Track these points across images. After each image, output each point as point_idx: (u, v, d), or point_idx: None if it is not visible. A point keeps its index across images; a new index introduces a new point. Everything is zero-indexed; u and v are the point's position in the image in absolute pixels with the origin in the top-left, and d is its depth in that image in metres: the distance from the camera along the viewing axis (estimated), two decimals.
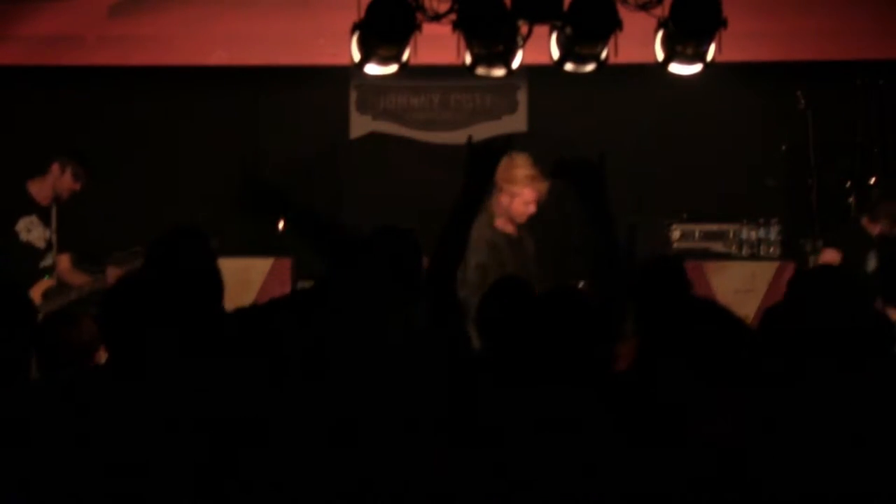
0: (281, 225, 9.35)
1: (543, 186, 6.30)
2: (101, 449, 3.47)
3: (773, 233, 8.74)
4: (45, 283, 7.48)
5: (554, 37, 6.61)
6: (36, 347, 4.68)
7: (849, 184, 8.64)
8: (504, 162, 6.06)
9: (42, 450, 3.40)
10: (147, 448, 3.54)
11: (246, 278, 8.44)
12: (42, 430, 3.42)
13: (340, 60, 7.22)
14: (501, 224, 6.37)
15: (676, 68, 6.67)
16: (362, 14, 6.35)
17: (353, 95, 10.30)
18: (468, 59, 6.65)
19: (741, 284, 7.69)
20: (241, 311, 3.86)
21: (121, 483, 3.48)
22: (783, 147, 9.22)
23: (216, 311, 3.80)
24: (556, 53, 6.64)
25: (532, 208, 6.33)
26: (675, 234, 9.01)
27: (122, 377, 3.68)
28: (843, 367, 3.64)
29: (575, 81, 7.98)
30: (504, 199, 6.35)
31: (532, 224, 6.49)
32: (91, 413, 3.59)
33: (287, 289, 8.83)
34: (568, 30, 6.42)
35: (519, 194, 6.32)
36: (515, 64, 6.67)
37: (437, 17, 6.35)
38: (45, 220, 7.59)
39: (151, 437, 3.55)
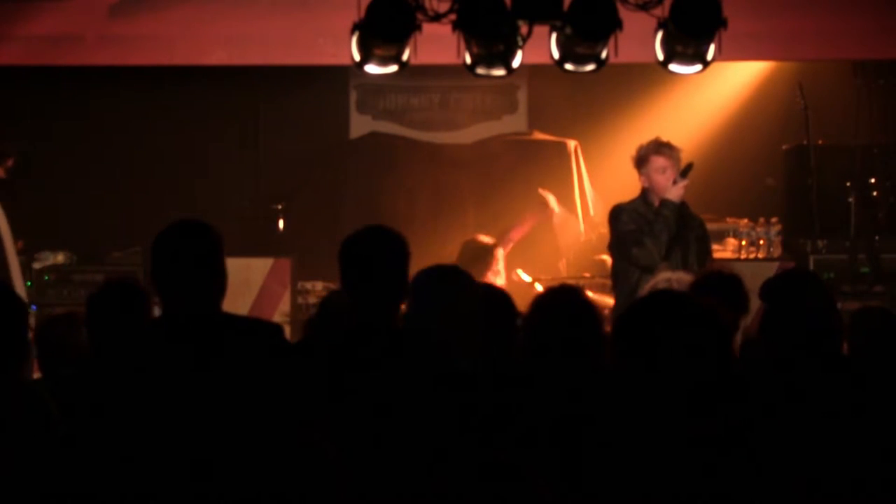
0: (281, 225, 9.36)
1: (673, 152, 6.67)
2: (89, 445, 3.48)
3: (773, 233, 8.74)
4: None
5: (554, 37, 6.61)
6: (38, 348, 4.70)
7: (849, 184, 8.63)
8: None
9: (35, 447, 3.40)
10: (135, 446, 3.55)
11: (246, 278, 8.43)
12: (37, 428, 3.43)
13: (340, 60, 7.21)
14: (654, 200, 6.69)
15: (676, 68, 6.67)
16: (362, 14, 6.35)
17: (353, 95, 10.31)
18: (468, 59, 6.65)
19: None
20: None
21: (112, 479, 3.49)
22: (783, 147, 9.23)
23: (216, 307, 3.78)
24: (556, 53, 6.64)
25: (670, 174, 6.54)
26: None
27: (106, 378, 3.69)
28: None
29: (575, 81, 7.99)
30: (643, 180, 6.71)
31: None
32: (81, 411, 3.60)
33: (287, 289, 8.84)
34: (568, 30, 6.42)
35: (650, 164, 6.64)
36: (515, 64, 6.66)
37: (437, 17, 6.34)
38: None
39: (138, 435, 3.56)
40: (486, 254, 8.14)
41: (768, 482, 3.13)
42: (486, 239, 8.23)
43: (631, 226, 6.60)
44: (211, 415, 3.53)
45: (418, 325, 3.93)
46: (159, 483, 3.50)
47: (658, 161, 6.66)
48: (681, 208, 6.67)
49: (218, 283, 3.74)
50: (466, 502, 2.76)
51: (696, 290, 4.86)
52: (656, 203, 6.68)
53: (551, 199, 8.63)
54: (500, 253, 8.21)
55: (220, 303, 3.76)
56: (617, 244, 6.68)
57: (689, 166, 6.61)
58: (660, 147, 6.70)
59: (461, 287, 3.98)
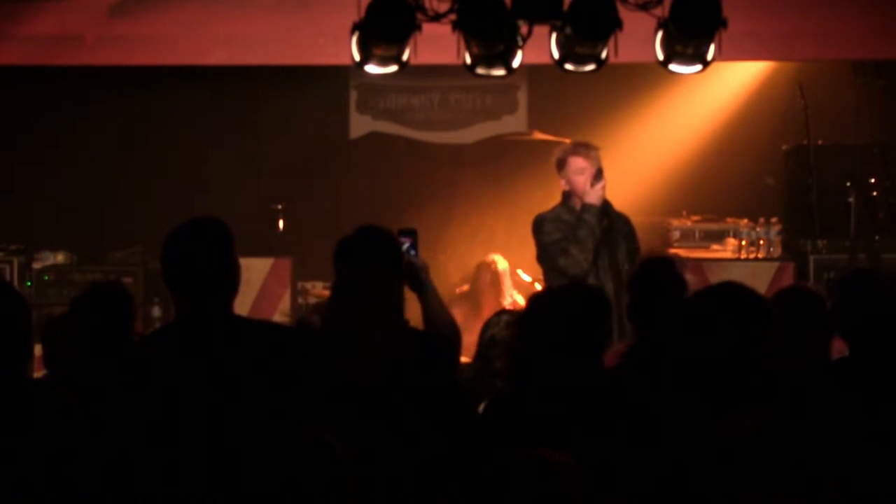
0: (281, 225, 9.36)
1: (591, 152, 6.62)
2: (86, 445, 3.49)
3: (773, 233, 8.74)
4: None
5: (554, 37, 6.60)
6: (43, 347, 4.72)
7: (849, 184, 8.63)
8: None
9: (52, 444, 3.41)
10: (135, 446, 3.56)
11: (246, 278, 8.39)
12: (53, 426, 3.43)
13: (340, 60, 7.21)
14: (576, 204, 6.64)
15: (676, 68, 6.66)
16: (362, 14, 6.35)
17: (353, 95, 10.31)
18: (468, 59, 6.65)
19: None
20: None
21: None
22: (783, 147, 9.23)
23: (229, 307, 3.78)
24: (556, 53, 6.63)
25: (589, 175, 6.49)
26: (675, 234, 9.01)
27: (119, 380, 3.69)
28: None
29: (575, 81, 7.99)
30: (563, 184, 6.68)
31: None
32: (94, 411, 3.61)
33: (287, 289, 8.84)
34: (568, 30, 6.41)
35: (568, 166, 6.61)
36: (515, 64, 6.66)
37: (437, 17, 6.34)
38: None
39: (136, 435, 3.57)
40: (495, 278, 8.24)
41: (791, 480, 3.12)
42: (496, 260, 8.31)
43: (555, 235, 6.53)
44: (229, 419, 3.53)
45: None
46: (175, 482, 3.51)
47: (576, 162, 6.60)
48: (605, 209, 6.61)
49: (231, 281, 3.75)
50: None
51: (635, 282, 4.79)
52: (578, 206, 6.63)
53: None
54: (503, 271, 8.29)
55: (233, 301, 3.77)
56: (543, 256, 6.62)
57: (600, 170, 6.55)
58: (577, 148, 6.66)
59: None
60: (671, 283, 4.70)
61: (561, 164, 6.66)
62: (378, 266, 4.07)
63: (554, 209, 6.69)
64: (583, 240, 6.47)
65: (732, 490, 3.09)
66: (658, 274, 4.77)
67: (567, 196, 6.65)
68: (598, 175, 6.51)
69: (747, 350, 3.35)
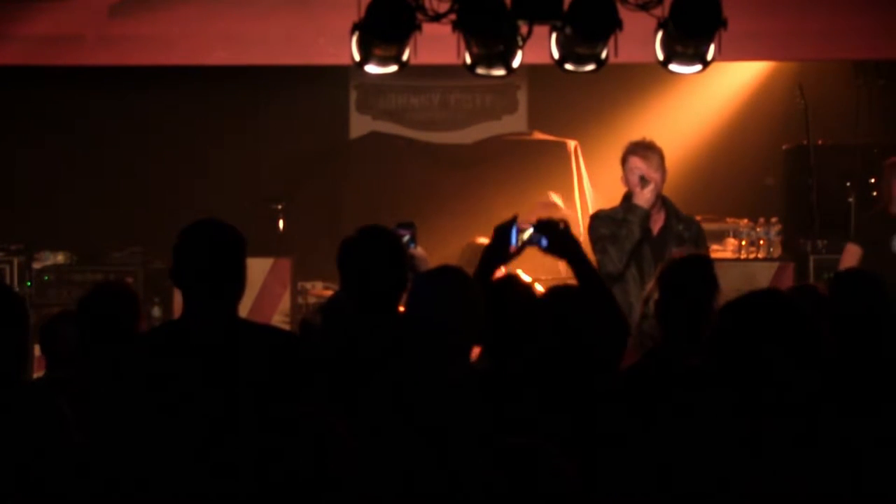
0: (281, 225, 9.36)
1: (649, 153, 6.48)
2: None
3: (773, 233, 8.75)
4: None
5: (554, 37, 6.60)
6: (42, 346, 4.72)
7: (849, 184, 8.63)
8: None
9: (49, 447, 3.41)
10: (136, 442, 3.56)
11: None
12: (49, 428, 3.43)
13: (340, 60, 7.22)
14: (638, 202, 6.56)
15: (676, 68, 6.66)
16: (362, 14, 6.35)
17: (353, 95, 10.32)
18: (468, 59, 6.65)
19: (741, 284, 7.64)
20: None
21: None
22: (783, 147, 9.23)
23: (234, 309, 3.80)
24: (556, 53, 6.63)
25: (638, 177, 6.41)
26: None
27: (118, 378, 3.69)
28: None
29: (575, 81, 8.00)
30: (623, 181, 6.54)
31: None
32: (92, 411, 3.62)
33: (287, 289, 8.84)
34: (568, 30, 6.41)
35: (627, 164, 6.51)
36: (515, 64, 6.66)
37: (437, 17, 6.34)
38: None
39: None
40: None
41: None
42: (486, 241, 8.24)
43: (601, 231, 6.46)
44: (225, 420, 3.54)
45: (417, 326, 3.92)
46: (172, 480, 3.51)
47: (632, 161, 6.51)
48: (668, 210, 6.58)
49: (239, 285, 3.77)
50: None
51: (664, 280, 4.71)
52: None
53: (558, 201, 8.57)
54: None
55: (238, 304, 3.79)
56: (592, 251, 6.63)
57: (642, 177, 6.50)
58: (636, 147, 6.58)
59: (461, 287, 3.97)
60: (701, 283, 4.60)
61: (623, 162, 6.56)
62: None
63: (614, 207, 6.65)
64: (621, 240, 6.43)
65: (734, 492, 3.09)
66: (688, 273, 4.66)
67: (627, 196, 6.62)
68: (643, 181, 6.42)
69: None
